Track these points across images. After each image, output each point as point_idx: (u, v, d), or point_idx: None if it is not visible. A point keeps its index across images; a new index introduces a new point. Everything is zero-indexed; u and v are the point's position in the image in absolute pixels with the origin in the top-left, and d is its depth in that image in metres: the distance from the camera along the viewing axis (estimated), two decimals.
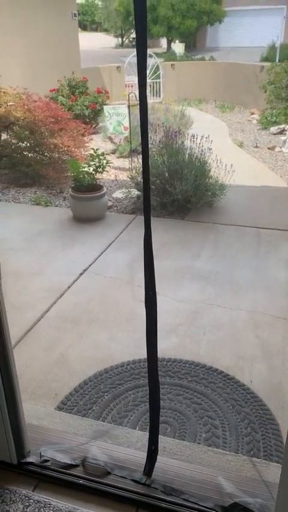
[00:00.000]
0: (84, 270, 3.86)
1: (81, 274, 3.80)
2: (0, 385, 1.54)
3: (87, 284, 3.67)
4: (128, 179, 6.06)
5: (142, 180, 1.16)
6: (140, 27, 0.88)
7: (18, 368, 1.66)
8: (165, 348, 2.81)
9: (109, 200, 5.50)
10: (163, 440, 2.00)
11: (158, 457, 1.66)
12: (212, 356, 2.78)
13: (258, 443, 2.17)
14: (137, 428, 2.26)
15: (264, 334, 2.98)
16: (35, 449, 1.74)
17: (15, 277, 3.73)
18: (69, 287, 3.60)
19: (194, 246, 4.35)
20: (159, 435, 1.66)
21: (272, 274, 3.78)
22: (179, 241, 4.48)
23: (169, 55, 20.63)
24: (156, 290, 1.38)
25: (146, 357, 1.50)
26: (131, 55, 11.92)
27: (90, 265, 3.95)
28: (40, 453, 1.71)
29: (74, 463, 1.69)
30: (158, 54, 17.41)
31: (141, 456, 1.68)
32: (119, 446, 1.88)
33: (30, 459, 1.70)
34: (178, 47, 22.09)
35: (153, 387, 1.55)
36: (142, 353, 2.54)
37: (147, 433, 1.64)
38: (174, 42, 25.45)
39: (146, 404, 2.38)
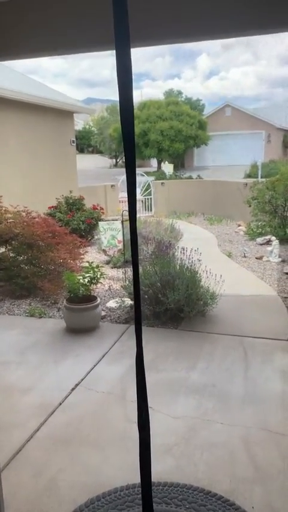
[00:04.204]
0: (76, 385, 3.78)
1: (73, 389, 3.72)
2: None
3: (79, 400, 3.57)
4: (121, 288, 6.21)
5: (134, 307, 1.24)
6: (129, 152, 1.03)
7: (4, 498, 1.58)
8: (161, 471, 2.66)
9: (102, 310, 5.58)
10: None
11: None
12: (210, 478, 2.63)
13: None
14: None
15: (263, 452, 2.85)
16: None
17: (6, 393, 3.64)
18: (60, 404, 3.49)
19: (189, 357, 4.32)
20: None
21: (269, 386, 3.72)
22: (172, 352, 4.46)
23: (159, 174, 22.42)
24: (151, 406, 1.39)
25: (140, 481, 1.45)
26: (125, 175, 12.97)
27: (82, 379, 3.88)
28: None
29: None
30: (149, 174, 18.92)
31: None
32: None
33: None
34: (167, 167, 24.08)
35: None
36: (136, 477, 2.41)
37: None
38: (164, 163, 27.81)
39: None
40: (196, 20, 1.97)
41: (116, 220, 8.89)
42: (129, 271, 6.66)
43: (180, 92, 39.70)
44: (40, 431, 3.14)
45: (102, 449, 2.93)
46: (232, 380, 3.84)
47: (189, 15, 1.98)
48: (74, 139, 12.92)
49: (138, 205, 13.94)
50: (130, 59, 0.99)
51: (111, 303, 6.00)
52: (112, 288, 6.68)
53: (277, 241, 8.69)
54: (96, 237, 9.82)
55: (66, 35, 2.11)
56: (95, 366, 4.16)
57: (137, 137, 27.05)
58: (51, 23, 2.11)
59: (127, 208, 1.13)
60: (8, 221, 6.59)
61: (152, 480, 1.56)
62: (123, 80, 0.98)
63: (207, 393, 3.62)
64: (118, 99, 1.00)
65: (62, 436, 3.08)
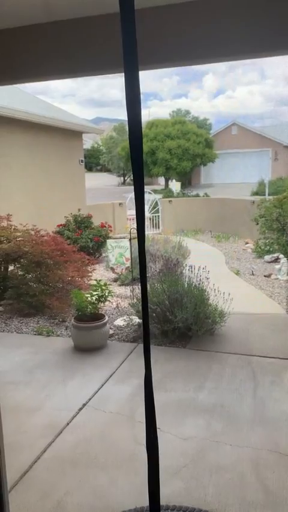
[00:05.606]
0: (84, 405, 3.75)
1: (80, 409, 3.69)
2: None
3: (87, 420, 3.53)
4: (129, 306, 6.19)
5: (142, 335, 1.24)
6: (137, 170, 1.03)
7: None
8: (170, 493, 2.61)
9: (110, 328, 5.55)
10: None
11: None
12: (219, 502, 2.57)
13: None
14: None
15: (274, 475, 2.79)
16: None
17: (14, 413, 3.61)
18: (67, 424, 3.46)
19: (197, 377, 4.28)
20: None
21: (278, 407, 3.66)
22: (181, 371, 4.42)
23: (167, 192, 22.59)
24: (159, 426, 1.38)
25: (148, 505, 1.42)
26: (133, 192, 13.10)
27: (90, 399, 3.85)
28: None
29: None
30: (156, 191, 19.08)
31: None
32: None
33: None
34: (175, 185, 24.24)
35: None
36: (144, 500, 2.37)
37: None
38: (172, 181, 28.01)
39: None
40: (203, 43, 2.02)
41: (124, 238, 8.93)
42: (137, 289, 6.65)
43: (188, 112, 40.23)
44: (47, 451, 3.11)
45: (110, 471, 2.89)
46: (241, 401, 3.78)
47: (196, 39, 2.03)
48: (83, 159, 13.09)
49: (146, 223, 14.01)
50: (138, 81, 1.01)
51: (119, 321, 5.98)
52: (120, 306, 6.67)
53: (285, 259, 8.65)
54: (104, 254, 9.85)
55: (77, 59, 2.17)
56: (102, 385, 4.13)
57: (145, 156, 27.37)
58: (63, 48, 2.17)
59: (135, 226, 1.14)
60: (17, 239, 6.65)
61: (161, 503, 1.53)
62: (131, 102, 1.00)
63: (217, 414, 3.57)
64: (127, 119, 1.02)
65: (70, 457, 3.05)
